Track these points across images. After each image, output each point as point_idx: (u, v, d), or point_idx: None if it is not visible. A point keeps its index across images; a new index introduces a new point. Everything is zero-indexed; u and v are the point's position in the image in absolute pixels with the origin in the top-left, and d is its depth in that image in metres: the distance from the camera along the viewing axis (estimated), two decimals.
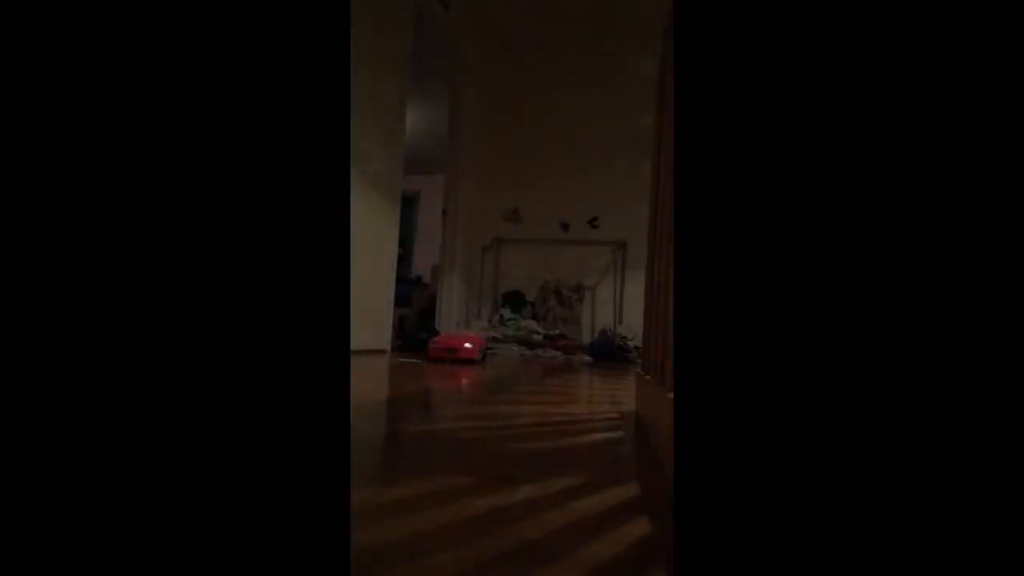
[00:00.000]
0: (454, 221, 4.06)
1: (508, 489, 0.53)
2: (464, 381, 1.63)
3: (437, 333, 3.10)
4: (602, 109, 4.10)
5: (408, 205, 5.56)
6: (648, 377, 0.95)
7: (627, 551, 0.39)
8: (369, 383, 1.44)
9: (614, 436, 0.85)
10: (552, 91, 4.21)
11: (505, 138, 4.29)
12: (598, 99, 4.12)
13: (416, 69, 3.45)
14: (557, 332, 3.74)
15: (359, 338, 2.62)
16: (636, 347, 3.29)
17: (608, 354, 3.28)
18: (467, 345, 2.43)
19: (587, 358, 3.33)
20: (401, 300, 3.81)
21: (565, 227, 4.13)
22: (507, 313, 3.92)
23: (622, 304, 3.98)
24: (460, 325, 3.96)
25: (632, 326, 3.63)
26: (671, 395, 0.63)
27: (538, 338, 3.59)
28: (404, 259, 6.01)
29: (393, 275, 3.12)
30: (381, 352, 2.86)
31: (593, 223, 4.09)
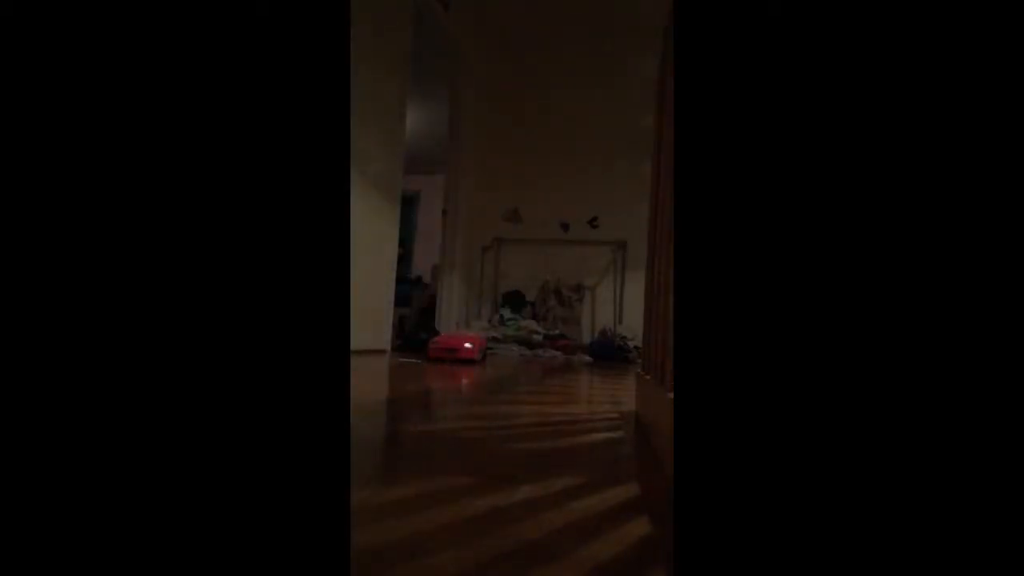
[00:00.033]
0: (454, 221, 4.06)
1: (508, 489, 0.53)
2: (464, 381, 1.63)
3: (437, 333, 3.10)
4: (602, 109, 4.10)
5: (408, 205, 5.56)
6: (648, 377, 0.95)
7: (627, 551, 0.39)
8: (369, 383, 1.44)
9: (614, 436, 0.85)
10: (552, 91, 4.21)
11: (505, 138, 4.29)
12: (598, 99, 4.12)
13: (416, 69, 3.45)
14: (557, 332, 3.74)
15: (359, 338, 2.62)
16: (636, 347, 3.29)
17: (608, 354, 3.28)
18: (467, 345, 2.43)
19: (587, 358, 3.33)
20: (401, 300, 3.81)
21: (565, 227, 4.13)
22: (507, 313, 3.92)
23: (622, 304, 3.98)
24: (460, 325, 3.96)
25: (632, 326, 3.63)
26: (671, 395, 0.63)
27: (538, 338, 3.59)
28: (404, 259, 6.01)
29: (393, 275, 3.12)
30: (381, 352, 2.86)
31: (593, 223, 4.09)
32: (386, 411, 0.99)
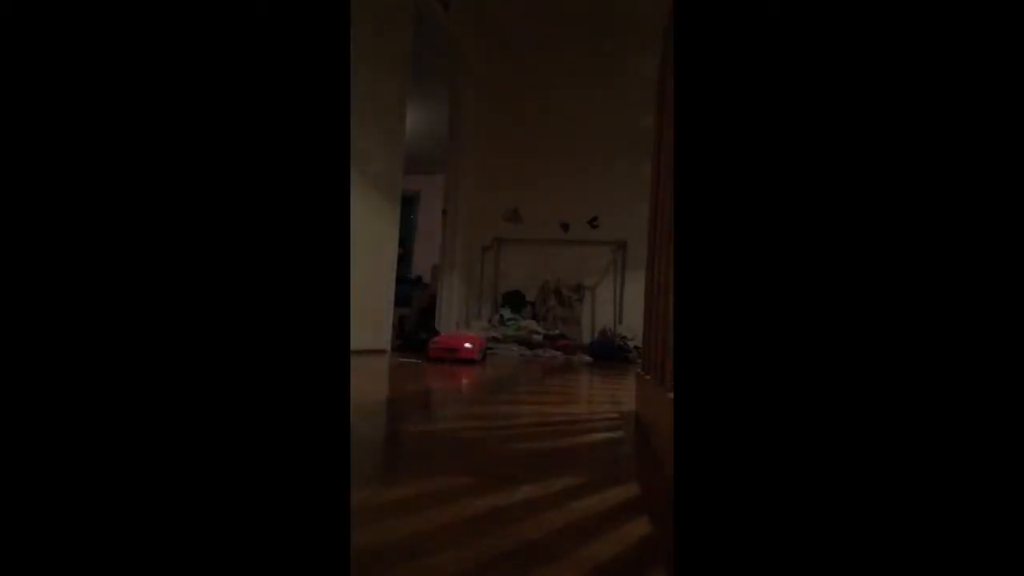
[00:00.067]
0: (454, 221, 4.06)
1: (508, 489, 0.53)
2: (464, 381, 1.63)
3: (437, 333, 3.10)
4: (602, 109, 4.10)
5: (408, 205, 5.57)
6: (648, 377, 0.95)
7: (627, 551, 0.39)
8: (369, 383, 1.44)
9: (614, 436, 0.85)
10: (552, 91, 4.21)
11: (505, 138, 4.29)
12: (598, 99, 4.12)
13: (416, 69, 3.45)
14: (557, 332, 3.74)
15: (359, 338, 2.62)
16: (636, 347, 3.29)
17: (608, 354, 3.28)
18: (467, 345, 2.43)
19: (587, 358, 3.33)
20: (401, 300, 3.81)
21: (565, 227, 4.13)
22: (507, 313, 3.92)
23: (622, 304, 3.98)
24: (460, 325, 3.96)
25: (632, 326, 3.63)
26: (671, 395, 0.63)
27: (538, 338, 3.59)
28: (404, 259, 6.01)
29: (393, 275, 3.12)
30: (381, 352, 2.86)
31: (593, 223, 4.09)
32: (386, 411, 0.99)
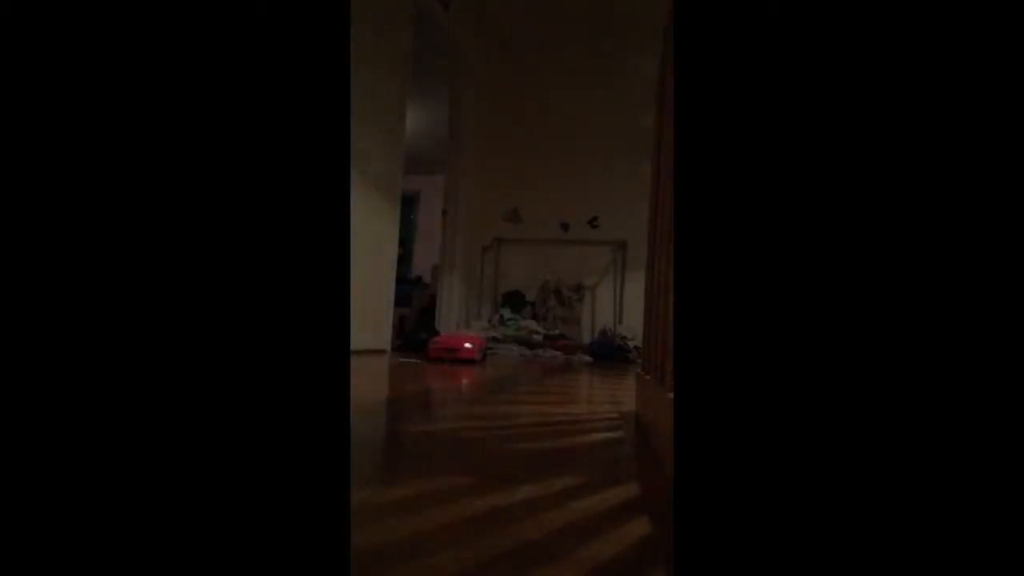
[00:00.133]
0: (454, 221, 4.06)
1: (508, 489, 0.53)
2: (464, 381, 1.63)
3: (437, 333, 3.10)
4: (602, 109, 4.10)
5: (408, 205, 5.57)
6: (648, 377, 0.95)
7: (627, 551, 0.39)
8: (369, 383, 1.44)
9: (614, 436, 0.85)
10: (552, 91, 4.21)
11: (505, 138, 4.29)
12: (598, 99, 4.12)
13: (416, 69, 3.45)
14: (557, 332, 3.74)
15: (359, 338, 2.62)
16: (636, 347, 3.29)
17: (608, 354, 3.28)
18: (467, 345, 2.43)
19: (587, 358, 3.33)
20: (401, 300, 3.81)
21: (565, 227, 4.13)
22: (507, 313, 3.92)
23: (622, 304, 3.98)
24: (460, 325, 3.96)
25: (632, 326, 3.63)
26: (671, 395, 0.63)
27: (538, 338, 3.59)
28: (404, 259, 6.01)
29: (393, 275, 3.12)
30: (381, 352, 2.86)
31: (593, 223, 4.09)
32: (386, 411, 0.99)
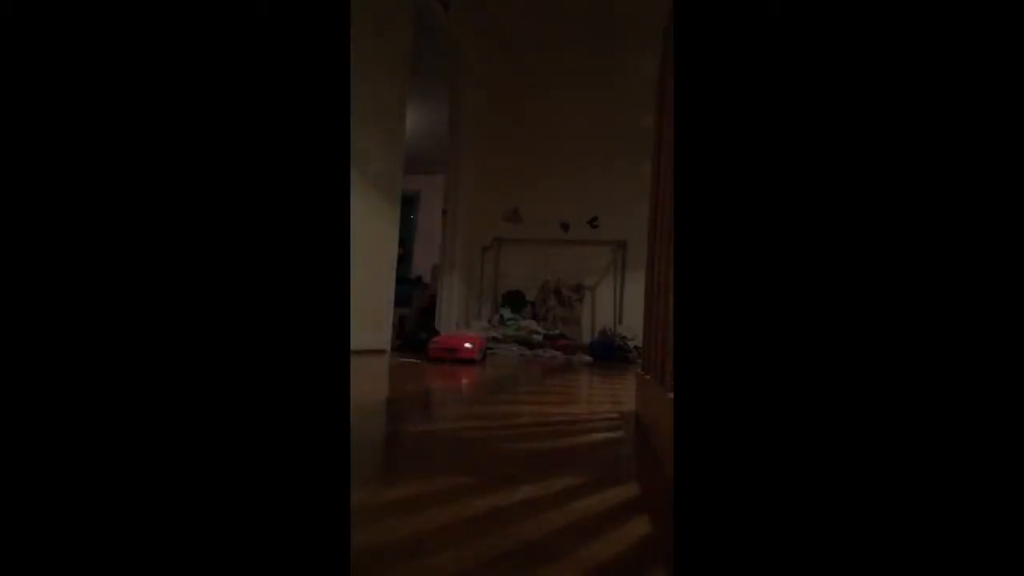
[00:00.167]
0: (454, 221, 4.06)
1: (508, 489, 0.53)
2: (464, 381, 1.63)
3: (437, 333, 3.10)
4: (602, 109, 4.10)
5: (408, 205, 5.57)
6: (648, 377, 0.95)
7: (627, 551, 0.39)
8: (369, 383, 1.44)
9: (614, 436, 0.85)
10: (552, 91, 4.21)
11: (505, 138, 4.29)
12: (598, 99, 4.12)
13: (416, 69, 3.45)
14: (557, 332, 3.74)
15: (359, 338, 2.62)
16: (636, 347, 3.28)
17: (608, 354, 3.28)
18: (467, 345, 2.43)
19: (587, 358, 3.33)
20: (401, 300, 3.81)
21: (565, 227, 4.13)
22: (507, 313, 3.92)
23: (622, 304, 3.98)
24: (460, 325, 3.96)
25: (632, 326, 3.63)
26: (671, 395, 0.63)
27: (538, 338, 3.59)
28: (404, 259, 6.01)
29: (393, 275, 3.12)
30: (381, 352, 2.86)
31: (593, 223, 4.09)
32: (386, 411, 0.99)
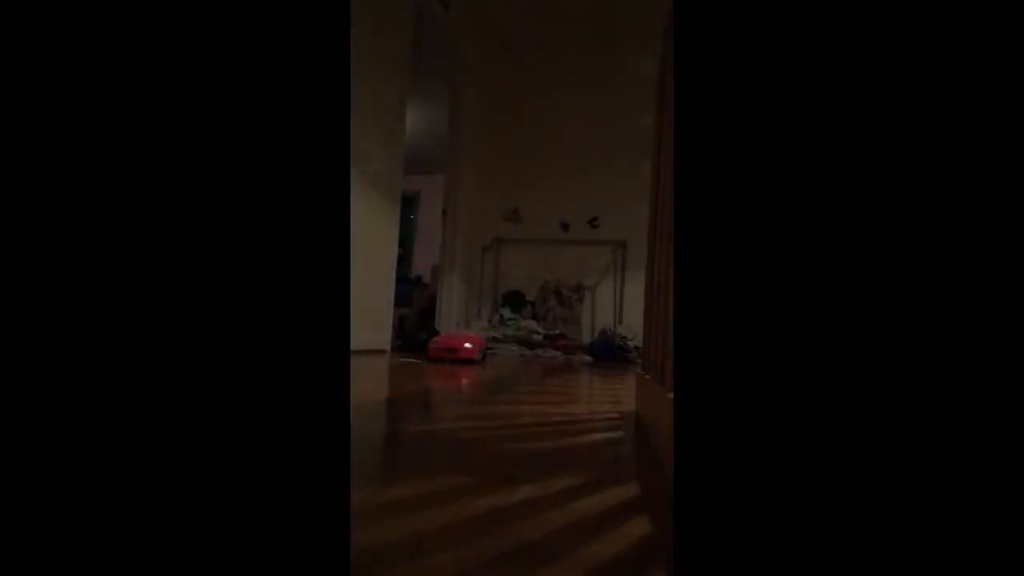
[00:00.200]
0: (454, 221, 4.06)
1: (508, 489, 0.53)
2: (464, 381, 1.63)
3: (437, 333, 3.10)
4: (602, 109, 4.10)
5: (408, 205, 5.57)
6: (648, 377, 0.95)
7: (627, 551, 0.39)
8: (369, 383, 1.44)
9: (614, 436, 0.85)
10: (552, 91, 4.21)
11: (505, 138, 4.29)
12: (598, 99, 4.12)
13: (416, 69, 3.45)
14: (557, 332, 3.73)
15: (359, 338, 2.62)
16: (636, 347, 3.28)
17: (608, 354, 3.28)
18: (467, 345, 2.43)
19: (587, 358, 3.33)
20: (401, 300, 3.81)
21: (565, 227, 4.13)
22: (507, 313, 3.92)
23: (622, 304, 3.98)
24: (460, 325, 3.96)
25: (632, 326, 3.63)
26: (671, 395, 0.63)
27: (538, 338, 3.58)
28: (404, 259, 6.01)
29: (393, 275, 3.12)
30: (381, 352, 2.86)
31: (593, 223, 4.09)
32: (386, 411, 0.99)
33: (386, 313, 3.04)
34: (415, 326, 3.95)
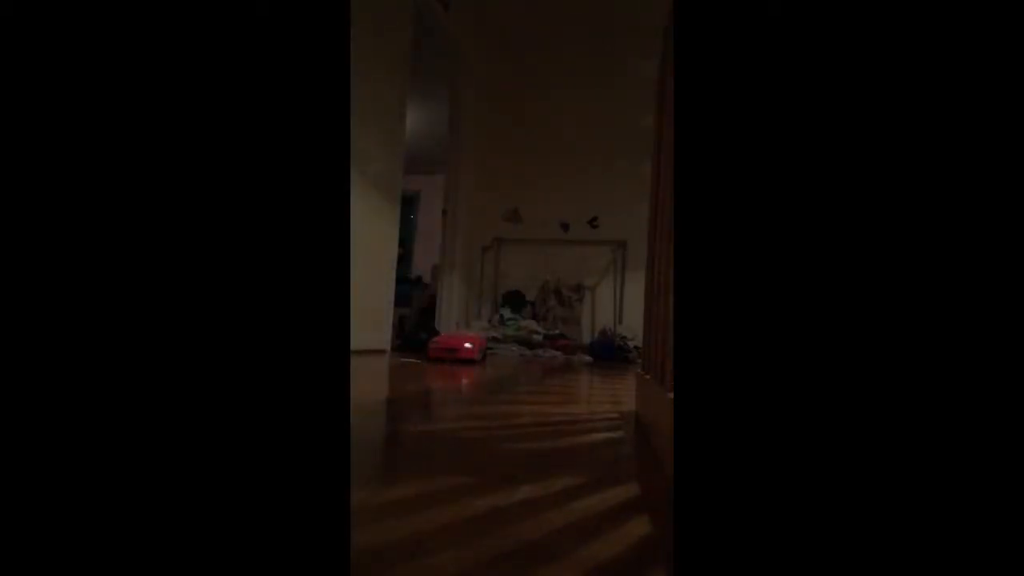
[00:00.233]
0: (454, 221, 4.06)
1: (508, 489, 0.53)
2: (464, 381, 1.63)
3: (437, 333, 3.10)
4: (602, 109, 4.10)
5: (408, 205, 5.57)
6: (648, 377, 0.95)
7: (627, 551, 0.39)
8: (369, 383, 1.44)
9: (614, 436, 0.85)
10: (552, 91, 4.21)
11: (505, 138, 4.29)
12: (598, 99, 4.12)
13: (416, 69, 3.45)
14: (557, 332, 3.74)
15: (359, 338, 2.62)
16: (636, 347, 3.28)
17: (608, 354, 3.28)
18: (467, 345, 2.43)
19: (587, 358, 3.33)
20: (401, 300, 3.81)
21: (565, 227, 4.13)
22: (507, 313, 3.92)
23: (622, 304, 3.98)
24: (460, 325, 3.96)
25: (632, 326, 3.63)
26: (671, 395, 0.63)
27: (538, 338, 3.58)
28: (404, 259, 6.01)
29: (393, 275, 3.12)
30: (381, 352, 2.86)
31: (593, 223, 4.09)
32: (386, 411, 0.99)
33: (386, 313, 3.04)
34: (415, 326, 3.95)
